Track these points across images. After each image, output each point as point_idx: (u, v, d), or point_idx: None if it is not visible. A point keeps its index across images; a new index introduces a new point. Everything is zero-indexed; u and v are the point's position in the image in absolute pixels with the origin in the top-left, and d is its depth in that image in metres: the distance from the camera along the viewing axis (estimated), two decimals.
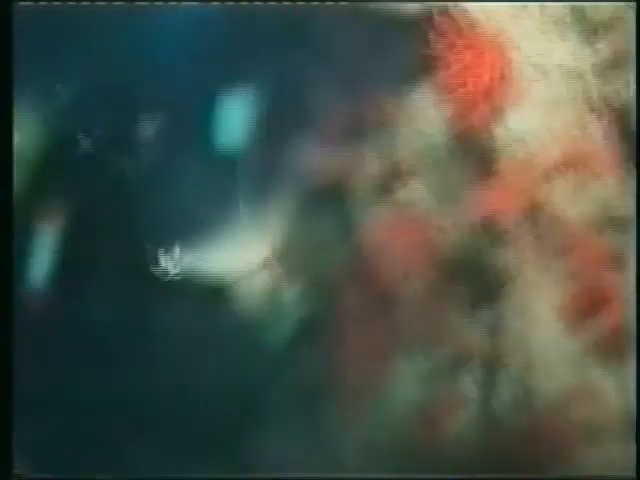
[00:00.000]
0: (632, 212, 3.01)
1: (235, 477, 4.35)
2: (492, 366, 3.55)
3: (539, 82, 3.14)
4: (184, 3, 4.35)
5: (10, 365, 3.11)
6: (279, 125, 4.76)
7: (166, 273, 4.93)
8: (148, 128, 4.90)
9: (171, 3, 4.25)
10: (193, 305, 4.92)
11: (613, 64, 2.93)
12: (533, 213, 3.26)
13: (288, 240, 4.94)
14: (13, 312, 3.13)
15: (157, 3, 4.16)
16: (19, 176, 4.25)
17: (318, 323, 4.56)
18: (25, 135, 4.35)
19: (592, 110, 3.08)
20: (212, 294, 4.96)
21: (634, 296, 2.95)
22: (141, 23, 4.58)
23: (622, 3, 2.90)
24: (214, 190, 5.13)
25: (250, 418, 5.11)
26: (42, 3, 3.95)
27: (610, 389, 3.07)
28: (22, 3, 3.63)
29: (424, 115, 3.69)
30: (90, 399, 4.99)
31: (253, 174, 5.11)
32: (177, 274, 5.00)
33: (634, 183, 3.01)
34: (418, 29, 3.45)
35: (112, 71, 5.18)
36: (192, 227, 5.05)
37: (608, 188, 3.06)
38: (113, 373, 5.03)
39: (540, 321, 3.28)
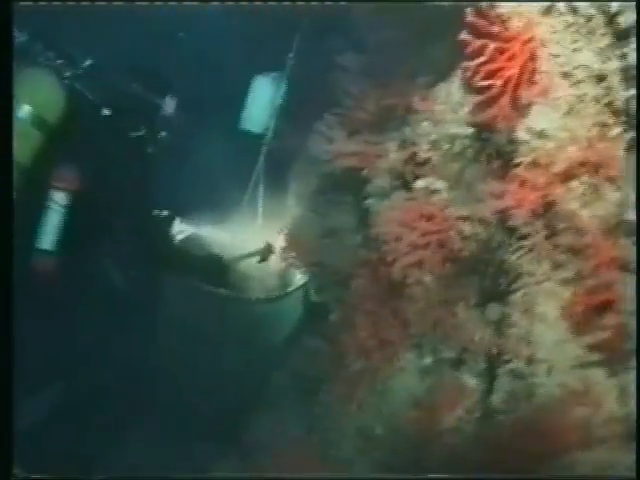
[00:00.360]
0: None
1: (235, 477, 4.39)
2: (495, 362, 3.58)
3: (563, 82, 3.16)
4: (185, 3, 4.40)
5: (10, 363, 3.13)
6: (303, 111, 4.81)
7: (175, 247, 4.99)
8: (171, 105, 4.97)
9: (171, 3, 4.29)
10: (197, 284, 4.97)
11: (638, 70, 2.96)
12: (547, 212, 3.28)
13: (301, 225, 4.98)
14: (13, 311, 3.15)
15: (157, 3, 4.19)
16: (36, 140, 4.32)
17: (325, 310, 4.60)
18: (44, 101, 4.39)
19: (613, 114, 3.10)
20: (218, 274, 5.01)
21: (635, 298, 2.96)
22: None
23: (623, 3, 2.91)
24: (232, 169, 5.19)
25: (249, 403, 5.16)
26: (42, 3, 3.99)
27: (611, 392, 3.08)
28: (22, 3, 3.66)
29: (446, 107, 3.72)
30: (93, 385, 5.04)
31: (273, 157, 5.17)
32: (186, 250, 5.05)
33: None
34: (447, 23, 3.48)
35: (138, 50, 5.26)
36: (206, 204, 5.11)
37: (622, 192, 3.08)
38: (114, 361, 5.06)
39: (545, 319, 3.30)
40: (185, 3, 4.39)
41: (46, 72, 4.49)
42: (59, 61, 4.59)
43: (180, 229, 5.05)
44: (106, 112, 4.66)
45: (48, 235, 4.28)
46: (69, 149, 4.39)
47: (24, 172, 4.25)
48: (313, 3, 4.46)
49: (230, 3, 4.24)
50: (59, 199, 4.29)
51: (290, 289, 5.11)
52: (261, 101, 5.25)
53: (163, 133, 4.87)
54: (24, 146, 4.25)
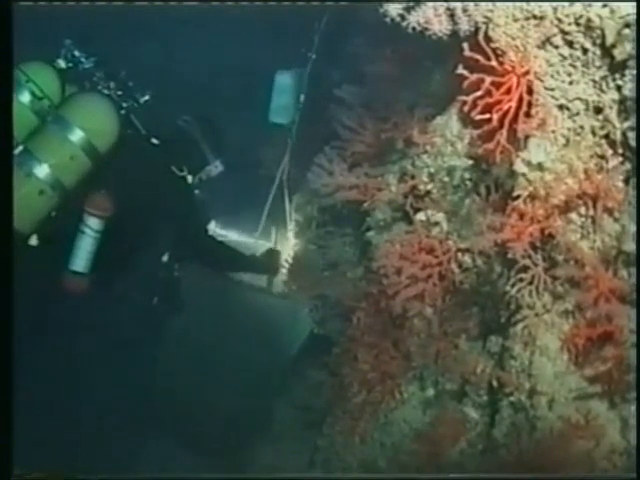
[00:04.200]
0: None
1: (234, 477, 4.38)
2: (496, 394, 3.56)
3: (560, 114, 3.17)
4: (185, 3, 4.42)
5: (10, 363, 3.14)
6: (305, 142, 4.84)
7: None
8: (217, 169, 5.02)
9: (171, 3, 4.31)
10: (202, 314, 5.00)
11: (635, 101, 2.95)
12: (546, 244, 3.28)
13: (302, 258, 5.00)
14: (13, 313, 3.16)
15: (156, 3, 4.22)
16: (84, 167, 4.35)
17: (327, 343, 4.60)
18: (99, 129, 4.42)
19: (610, 146, 3.10)
20: (225, 304, 5.04)
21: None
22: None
23: (621, 3, 2.90)
24: (241, 198, 5.22)
25: (252, 432, 5.16)
26: (42, 3, 4.02)
27: (613, 424, 3.06)
28: (22, 3, 3.68)
29: (445, 139, 3.73)
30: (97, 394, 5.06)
31: (278, 185, 5.21)
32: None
33: None
34: (445, 56, 3.50)
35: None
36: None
37: (621, 223, 3.08)
38: (116, 371, 5.09)
39: (546, 352, 3.28)
40: (186, 3, 4.44)
41: (105, 100, 4.50)
42: (119, 92, 4.62)
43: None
44: (154, 141, 4.71)
45: (81, 258, 4.34)
46: (110, 177, 4.44)
47: (67, 196, 4.31)
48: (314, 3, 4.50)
49: (230, 3, 4.26)
50: (94, 224, 4.34)
51: (292, 319, 5.12)
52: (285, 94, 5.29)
53: (197, 191, 4.94)
54: (72, 170, 4.31)
